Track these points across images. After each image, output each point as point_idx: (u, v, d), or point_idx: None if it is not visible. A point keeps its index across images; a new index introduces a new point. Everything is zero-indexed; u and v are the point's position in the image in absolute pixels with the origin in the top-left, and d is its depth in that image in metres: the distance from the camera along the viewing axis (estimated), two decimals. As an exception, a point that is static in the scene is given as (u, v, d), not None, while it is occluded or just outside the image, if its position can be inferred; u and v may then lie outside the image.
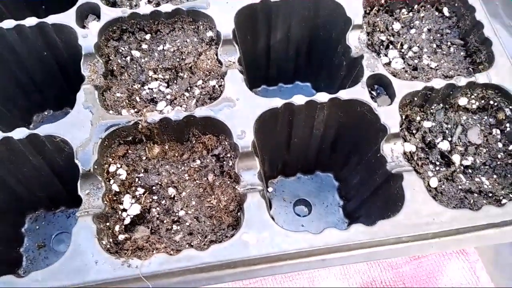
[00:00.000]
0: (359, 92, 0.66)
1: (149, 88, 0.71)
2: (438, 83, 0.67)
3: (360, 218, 0.72)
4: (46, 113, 0.89)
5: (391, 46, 0.76)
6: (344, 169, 0.78)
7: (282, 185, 0.83)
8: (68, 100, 0.86)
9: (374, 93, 0.69)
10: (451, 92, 0.68)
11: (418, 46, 0.76)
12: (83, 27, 0.72)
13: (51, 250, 0.77)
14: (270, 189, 0.81)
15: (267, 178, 0.82)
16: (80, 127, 0.62)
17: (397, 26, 0.77)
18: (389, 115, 0.64)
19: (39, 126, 0.85)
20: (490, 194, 0.63)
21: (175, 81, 0.72)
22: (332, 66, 0.80)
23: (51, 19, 0.71)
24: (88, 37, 0.69)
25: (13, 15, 0.83)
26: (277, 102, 0.65)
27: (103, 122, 0.63)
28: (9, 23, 0.71)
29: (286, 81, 0.94)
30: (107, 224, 0.60)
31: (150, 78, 0.72)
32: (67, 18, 0.71)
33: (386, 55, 0.75)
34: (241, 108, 0.65)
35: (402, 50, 0.76)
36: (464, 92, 0.69)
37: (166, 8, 0.72)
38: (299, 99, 0.66)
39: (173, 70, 0.72)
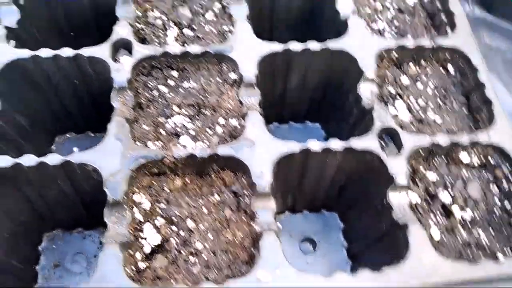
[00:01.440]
0: (369, 142, 0.71)
1: (173, 122, 0.76)
2: (442, 139, 0.72)
3: (363, 260, 0.77)
4: (68, 135, 0.93)
5: (398, 98, 0.82)
6: (350, 212, 0.83)
7: (289, 221, 0.87)
8: (90, 124, 0.91)
9: (383, 143, 0.74)
10: (454, 148, 0.74)
11: (424, 100, 0.81)
12: (115, 60, 0.77)
13: (66, 270, 0.80)
14: (279, 226, 0.85)
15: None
16: (111, 157, 0.67)
17: (405, 79, 0.83)
18: (397, 166, 0.69)
19: (61, 147, 0.91)
20: (487, 248, 0.67)
21: (197, 117, 0.77)
22: (343, 112, 0.85)
23: (86, 51, 0.76)
24: (121, 71, 0.74)
25: (45, 41, 0.88)
26: (294, 147, 0.70)
27: (133, 154, 0.67)
28: (46, 52, 0.75)
29: (297, 120, 0.99)
30: (130, 251, 0.64)
31: (174, 113, 0.76)
32: (101, 51, 0.76)
33: (394, 106, 0.80)
34: (261, 149, 0.69)
35: (409, 103, 0.81)
36: (466, 148, 0.74)
37: (194, 49, 0.77)
38: (314, 145, 0.71)
39: (196, 107, 0.77)
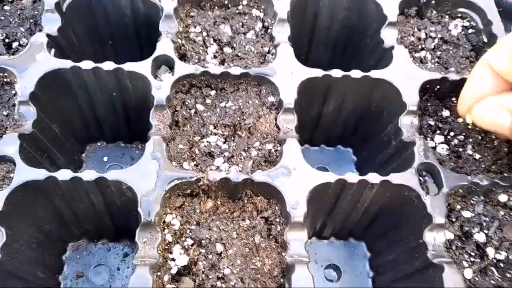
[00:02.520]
0: (409, 178, 0.70)
1: (207, 142, 0.75)
2: (482, 180, 0.70)
3: (391, 295, 0.75)
4: (99, 144, 0.93)
5: (438, 131, 0.80)
6: (379, 243, 0.81)
7: (315, 247, 0.86)
8: (123, 135, 0.91)
9: (421, 179, 0.72)
10: (493, 189, 0.72)
11: (464, 135, 0.79)
12: (155, 76, 0.76)
13: (89, 281, 0.79)
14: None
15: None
16: (146, 177, 0.66)
17: (446, 113, 0.81)
18: (435, 205, 0.68)
19: (91, 156, 0.91)
20: (521, 292, 0.65)
21: (233, 139, 0.76)
22: (379, 141, 0.84)
23: (128, 66, 0.75)
24: (161, 89, 0.73)
25: (83, 48, 0.88)
26: (331, 177, 0.69)
27: (168, 174, 0.67)
28: (87, 64, 0.75)
29: (328, 144, 0.98)
30: (159, 274, 0.63)
31: (210, 132, 0.76)
32: (143, 67, 0.75)
33: (432, 140, 0.79)
34: (297, 178, 0.68)
35: (448, 137, 0.79)
36: (505, 189, 0.72)
37: (235, 71, 0.76)
38: (351, 177, 0.69)
39: (232, 128, 0.76)
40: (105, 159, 0.90)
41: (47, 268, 0.76)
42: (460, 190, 0.71)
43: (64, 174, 0.66)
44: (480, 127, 0.73)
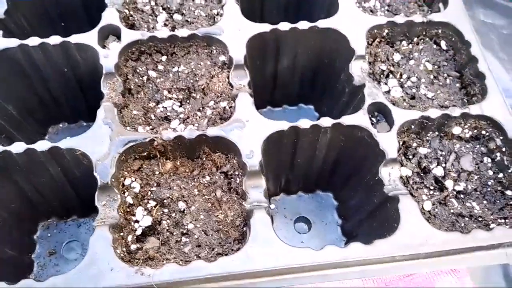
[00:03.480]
0: (360, 118, 0.71)
1: (163, 107, 0.75)
2: (434, 113, 0.72)
3: (357, 236, 0.76)
4: (61, 125, 0.93)
5: (391, 76, 0.81)
6: (344, 190, 0.83)
7: (283, 203, 0.87)
8: (83, 114, 0.92)
9: (374, 119, 0.73)
10: (446, 122, 0.73)
11: (417, 77, 0.81)
12: (104, 46, 0.76)
13: (62, 257, 0.80)
14: (272, 206, 0.85)
15: (269, 196, 0.86)
16: (99, 142, 0.67)
17: (397, 57, 0.82)
18: (388, 141, 0.69)
19: (54, 138, 0.91)
20: (480, 219, 0.67)
21: (188, 101, 0.76)
22: (335, 91, 0.85)
23: (74, 38, 0.76)
24: (109, 57, 0.74)
25: (34, 31, 0.88)
26: (284, 125, 0.70)
27: (121, 138, 0.67)
28: (34, 41, 0.75)
29: (290, 103, 0.98)
30: (121, 234, 0.64)
31: (164, 98, 0.76)
32: (90, 38, 0.76)
33: (386, 84, 0.80)
34: (251, 129, 0.69)
35: (401, 80, 0.81)
36: (458, 122, 0.73)
37: (182, 33, 0.77)
38: (304, 123, 0.70)
39: (186, 91, 0.77)
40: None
41: (18, 246, 0.76)
42: (413, 126, 0.72)
43: (18, 147, 0.66)
44: None
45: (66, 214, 0.83)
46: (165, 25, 0.83)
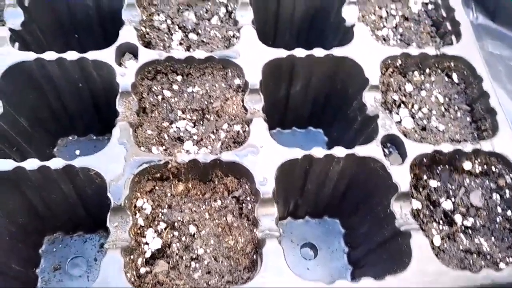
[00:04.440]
0: (374, 149, 0.71)
1: (176, 127, 0.75)
2: (446, 148, 0.72)
3: (364, 267, 0.77)
4: (70, 138, 0.93)
5: (402, 106, 0.82)
6: (352, 218, 0.83)
7: (290, 227, 0.87)
8: (93, 128, 0.91)
9: (386, 150, 0.74)
10: (457, 156, 0.74)
11: (428, 108, 0.81)
12: (120, 64, 0.77)
13: (66, 273, 0.79)
14: (281, 233, 0.85)
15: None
16: (114, 162, 0.66)
17: (409, 87, 0.83)
18: (401, 174, 0.69)
19: (63, 150, 0.91)
20: (488, 256, 0.67)
21: (201, 122, 0.76)
22: (346, 118, 0.85)
23: (92, 55, 0.76)
24: (126, 76, 0.74)
25: (48, 42, 0.88)
26: (298, 153, 0.70)
27: (136, 159, 0.67)
28: (50, 55, 0.75)
29: (299, 126, 0.99)
30: (132, 257, 0.63)
31: (178, 118, 0.76)
32: (106, 55, 0.76)
33: (397, 114, 0.80)
34: (265, 155, 0.69)
35: (413, 110, 0.81)
36: (469, 157, 0.74)
37: (199, 54, 0.77)
38: (318, 152, 0.71)
39: (200, 112, 0.77)
40: (77, 152, 0.90)
41: (23, 261, 0.76)
42: (425, 159, 0.73)
43: (31, 164, 0.66)
44: None
45: (72, 229, 0.82)
46: (180, 44, 0.83)
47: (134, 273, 0.62)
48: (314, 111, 0.94)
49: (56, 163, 0.66)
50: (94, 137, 0.93)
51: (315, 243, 0.85)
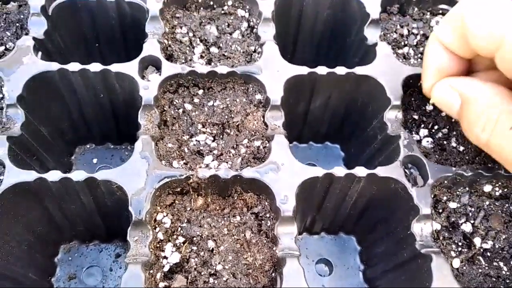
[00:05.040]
0: (395, 170, 0.71)
1: (196, 140, 0.76)
2: (467, 171, 0.72)
3: (380, 286, 0.76)
4: (88, 146, 0.93)
5: (422, 125, 0.82)
6: (368, 236, 0.83)
7: (306, 243, 0.87)
8: (111, 137, 0.92)
9: (407, 171, 0.74)
10: (478, 179, 0.73)
11: (448, 128, 0.81)
12: (143, 77, 0.77)
13: (81, 282, 0.80)
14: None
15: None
16: (135, 176, 0.67)
17: (429, 107, 0.83)
18: (422, 196, 0.69)
19: (80, 158, 0.91)
20: (508, 281, 0.67)
21: (221, 137, 0.77)
22: (365, 136, 0.85)
23: (115, 67, 0.76)
24: (148, 89, 0.74)
25: (69, 51, 0.89)
26: (319, 172, 0.70)
27: (158, 173, 0.67)
28: (74, 67, 0.75)
29: (316, 141, 0.99)
30: (151, 272, 0.63)
31: (198, 131, 0.76)
32: (130, 68, 0.76)
33: (417, 133, 0.80)
34: (286, 173, 0.69)
35: (432, 130, 0.81)
36: (489, 180, 0.74)
37: (221, 69, 0.77)
38: (339, 171, 0.71)
39: (220, 126, 0.77)
40: (95, 161, 0.90)
41: (40, 270, 0.76)
42: (446, 182, 0.73)
43: (54, 175, 0.66)
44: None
45: (88, 238, 0.82)
46: (202, 57, 0.83)
47: (153, 288, 0.62)
48: (332, 127, 0.94)
49: (78, 176, 0.66)
50: (112, 146, 0.93)
51: (330, 259, 0.85)
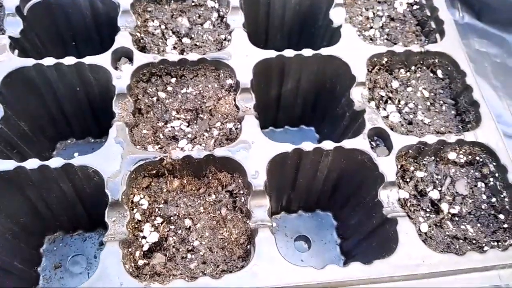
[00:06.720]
0: (361, 142, 0.74)
1: (171, 126, 0.78)
2: (430, 139, 0.75)
3: (356, 256, 0.79)
4: (69, 141, 0.96)
5: (389, 101, 0.85)
6: (343, 210, 0.86)
7: (284, 221, 0.90)
8: (91, 131, 0.94)
9: (373, 143, 0.77)
10: (442, 147, 0.76)
11: (414, 103, 0.84)
12: (116, 68, 0.80)
13: (67, 270, 0.82)
14: (273, 224, 0.88)
15: (271, 214, 0.89)
16: (111, 160, 0.69)
17: (395, 84, 0.86)
18: (387, 165, 0.72)
19: (62, 153, 0.94)
20: (474, 241, 0.70)
21: (195, 122, 0.79)
22: (336, 115, 0.88)
23: (88, 60, 0.79)
24: (121, 78, 0.77)
25: (46, 49, 0.91)
26: (288, 147, 0.73)
27: (132, 156, 0.70)
28: (49, 61, 0.78)
29: (292, 125, 1.02)
30: (130, 249, 0.66)
31: (173, 118, 0.79)
32: (103, 60, 0.79)
33: (384, 109, 0.83)
34: (256, 150, 0.72)
35: (399, 106, 0.84)
36: (453, 147, 0.77)
37: (192, 57, 0.80)
38: (307, 146, 0.73)
39: (194, 112, 0.80)
40: (76, 155, 0.91)
41: (26, 260, 0.78)
42: (410, 151, 0.76)
43: (32, 163, 0.68)
44: None
45: (72, 228, 0.85)
46: (174, 48, 0.86)
47: (133, 264, 0.65)
48: (305, 109, 0.97)
49: (55, 162, 0.69)
50: (92, 140, 0.96)
51: (308, 236, 0.88)
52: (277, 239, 0.85)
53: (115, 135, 0.72)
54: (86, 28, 0.93)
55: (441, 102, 0.85)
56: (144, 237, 0.68)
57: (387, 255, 0.64)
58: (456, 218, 0.73)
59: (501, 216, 0.71)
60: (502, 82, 1.12)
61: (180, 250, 0.68)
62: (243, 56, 0.81)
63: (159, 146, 0.76)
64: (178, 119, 0.79)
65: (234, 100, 0.79)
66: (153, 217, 0.70)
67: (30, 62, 0.78)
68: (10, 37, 0.81)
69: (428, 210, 0.73)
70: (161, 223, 0.70)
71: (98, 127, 0.92)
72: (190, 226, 0.70)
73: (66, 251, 0.84)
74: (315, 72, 0.87)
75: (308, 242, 0.87)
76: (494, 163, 0.75)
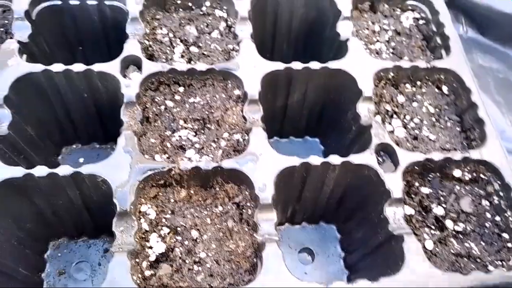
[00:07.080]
0: (368, 158, 0.75)
1: (179, 136, 0.78)
2: (437, 156, 0.76)
3: (360, 271, 0.80)
4: (74, 146, 0.96)
5: (395, 116, 0.85)
6: (347, 224, 0.86)
7: (288, 233, 0.90)
8: (97, 137, 0.94)
9: (380, 159, 0.77)
10: (447, 164, 0.77)
11: (419, 118, 0.85)
12: (124, 76, 0.80)
13: (71, 277, 0.82)
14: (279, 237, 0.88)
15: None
16: (120, 169, 0.69)
17: (401, 98, 0.87)
18: (393, 181, 0.73)
19: (68, 158, 0.94)
20: (478, 260, 0.70)
21: (202, 131, 0.80)
22: (341, 128, 0.89)
23: (97, 67, 0.79)
24: (130, 87, 0.77)
25: (54, 54, 0.91)
26: (295, 161, 0.73)
27: (141, 166, 0.70)
28: (58, 67, 0.78)
29: (296, 135, 1.02)
30: (137, 260, 0.66)
31: (180, 127, 0.79)
32: (112, 67, 0.79)
33: (390, 124, 0.84)
34: (264, 163, 0.72)
35: (405, 121, 0.85)
36: (458, 165, 0.78)
37: (201, 66, 0.80)
38: (315, 160, 0.74)
39: (201, 121, 0.80)
40: (81, 160, 0.93)
41: (30, 266, 0.78)
42: (416, 167, 0.76)
43: (40, 171, 0.68)
44: None
45: (77, 234, 0.85)
46: (182, 56, 0.87)
47: (140, 275, 0.65)
48: (311, 121, 0.97)
49: (64, 170, 0.69)
50: (98, 146, 0.96)
51: (312, 248, 0.88)
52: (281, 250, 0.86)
53: (124, 144, 0.72)
54: (94, 33, 0.93)
55: (446, 118, 0.86)
56: (150, 247, 0.69)
57: (393, 272, 0.64)
58: (461, 236, 0.74)
59: (505, 235, 0.72)
60: (505, 97, 1.14)
61: (187, 261, 0.68)
62: (251, 67, 0.82)
63: (167, 155, 0.76)
64: (186, 128, 0.80)
65: (242, 111, 0.79)
66: (159, 227, 0.70)
67: (39, 68, 0.78)
68: (19, 41, 0.81)
69: (433, 226, 0.74)
70: (168, 234, 0.70)
71: (104, 133, 0.93)
72: (196, 238, 0.70)
73: (70, 257, 0.84)
74: (322, 84, 0.87)
75: (311, 255, 0.88)
76: (499, 182, 0.76)
